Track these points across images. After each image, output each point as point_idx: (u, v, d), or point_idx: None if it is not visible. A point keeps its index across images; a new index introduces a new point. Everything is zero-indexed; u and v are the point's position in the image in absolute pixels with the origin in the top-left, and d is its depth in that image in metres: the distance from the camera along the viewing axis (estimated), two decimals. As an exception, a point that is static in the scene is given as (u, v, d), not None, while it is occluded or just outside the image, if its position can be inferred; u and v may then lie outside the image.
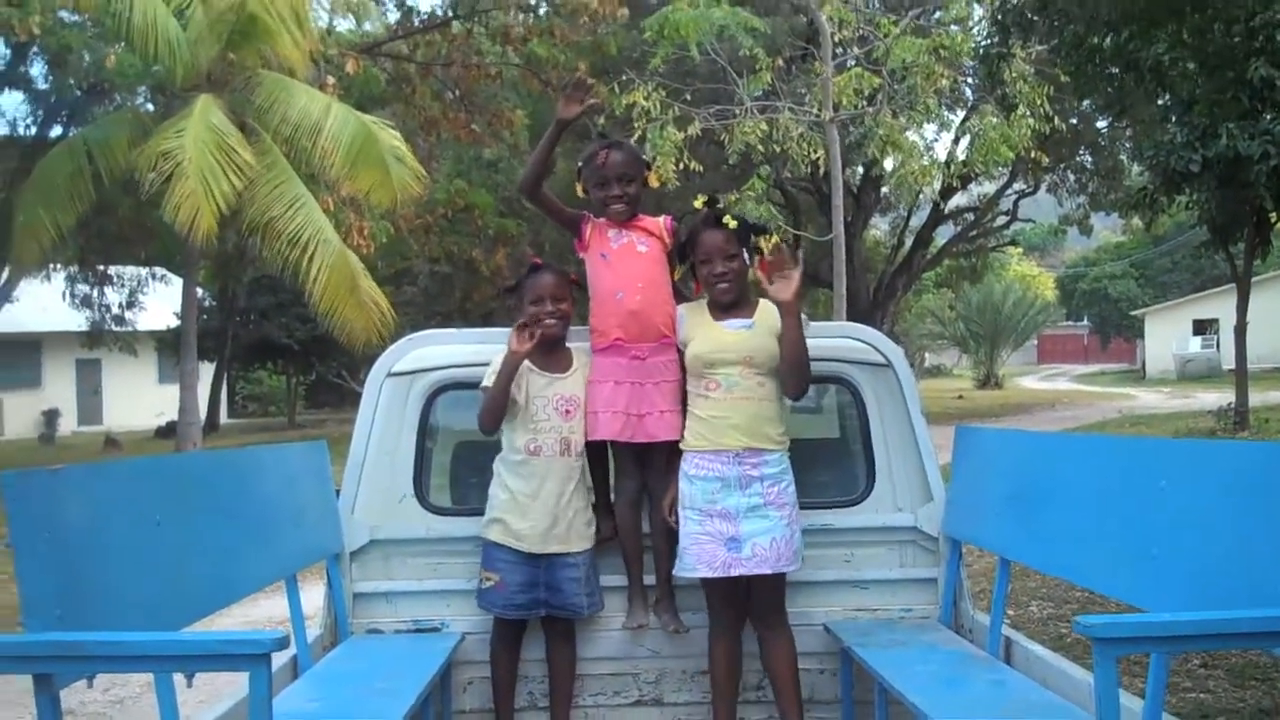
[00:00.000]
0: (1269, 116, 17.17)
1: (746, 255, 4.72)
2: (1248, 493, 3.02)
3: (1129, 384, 49.72)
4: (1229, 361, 46.65)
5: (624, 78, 16.15)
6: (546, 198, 4.98)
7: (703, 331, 4.72)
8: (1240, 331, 20.42)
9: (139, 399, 42.05)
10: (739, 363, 4.64)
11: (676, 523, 4.71)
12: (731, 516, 4.62)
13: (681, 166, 15.24)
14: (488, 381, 4.70)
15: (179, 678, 2.86)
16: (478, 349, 5.00)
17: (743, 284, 4.74)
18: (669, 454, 4.77)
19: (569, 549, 4.78)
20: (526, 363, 4.72)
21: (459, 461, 5.54)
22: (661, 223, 4.88)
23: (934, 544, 4.98)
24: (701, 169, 15.91)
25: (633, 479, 4.85)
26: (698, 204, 4.83)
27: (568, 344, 4.88)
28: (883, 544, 5.02)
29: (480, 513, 4.84)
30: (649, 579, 4.88)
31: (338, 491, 4.96)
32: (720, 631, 4.80)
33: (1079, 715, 3.62)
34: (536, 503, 4.73)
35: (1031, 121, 15.27)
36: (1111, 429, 23.86)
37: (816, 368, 4.80)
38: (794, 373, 4.62)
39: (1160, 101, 18.82)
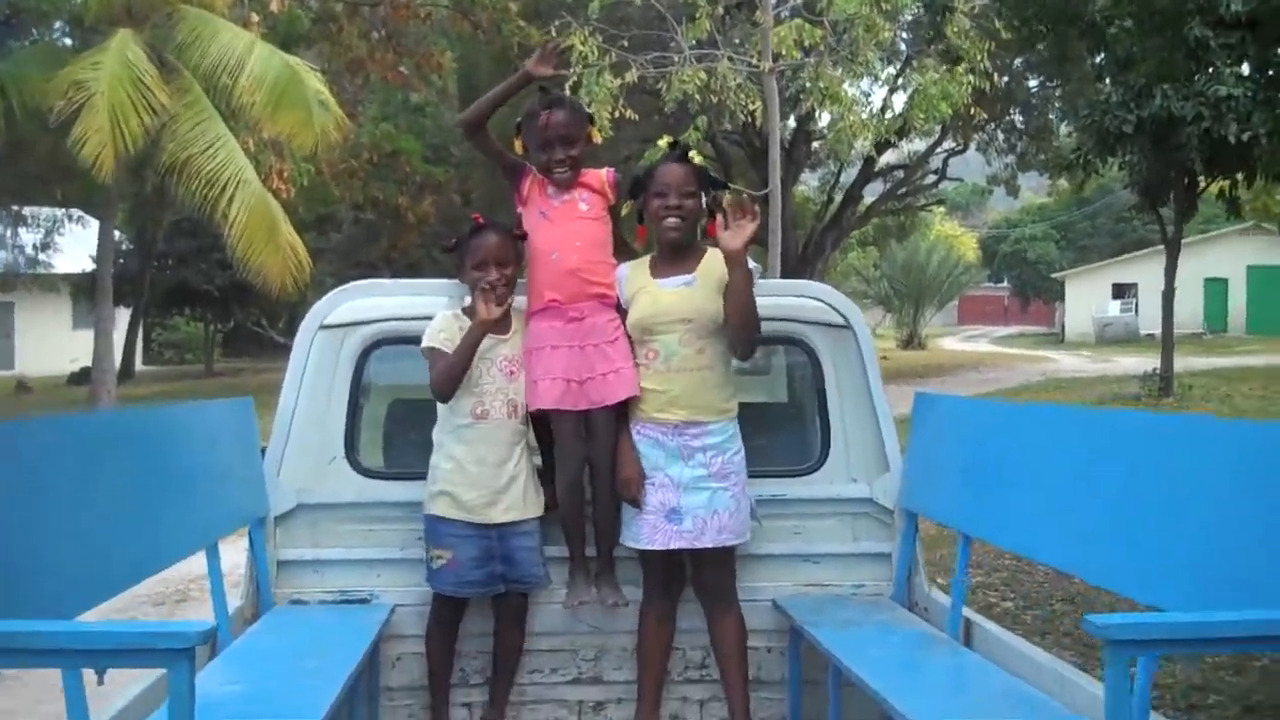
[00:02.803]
0: (1201, 78, 17.20)
1: (704, 201, 4.46)
2: (1246, 476, 2.83)
3: (1048, 347, 50.10)
4: (1147, 326, 47.68)
5: (559, 22, 15.71)
6: (489, 139, 4.68)
7: (642, 293, 4.47)
8: (1168, 297, 20.51)
9: (53, 344, 41.08)
10: (677, 326, 4.39)
11: (634, 498, 4.46)
12: (673, 487, 4.40)
13: (616, 115, 14.90)
14: (431, 341, 4.42)
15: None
16: (415, 300, 4.71)
17: (692, 228, 4.48)
18: (614, 422, 4.49)
19: (524, 515, 4.51)
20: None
21: (395, 421, 5.23)
22: (604, 176, 4.62)
23: (889, 517, 4.76)
24: (637, 117, 15.56)
25: (573, 452, 4.51)
26: (662, 143, 4.62)
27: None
28: (835, 516, 4.79)
29: (417, 476, 4.55)
30: (589, 551, 4.62)
31: (263, 450, 4.66)
32: (651, 605, 4.59)
33: (1047, 703, 3.43)
34: (485, 469, 4.45)
35: (972, 78, 15.09)
36: (1034, 392, 23.92)
37: (769, 327, 4.58)
38: (741, 330, 4.35)
39: (1096, 59, 18.82)
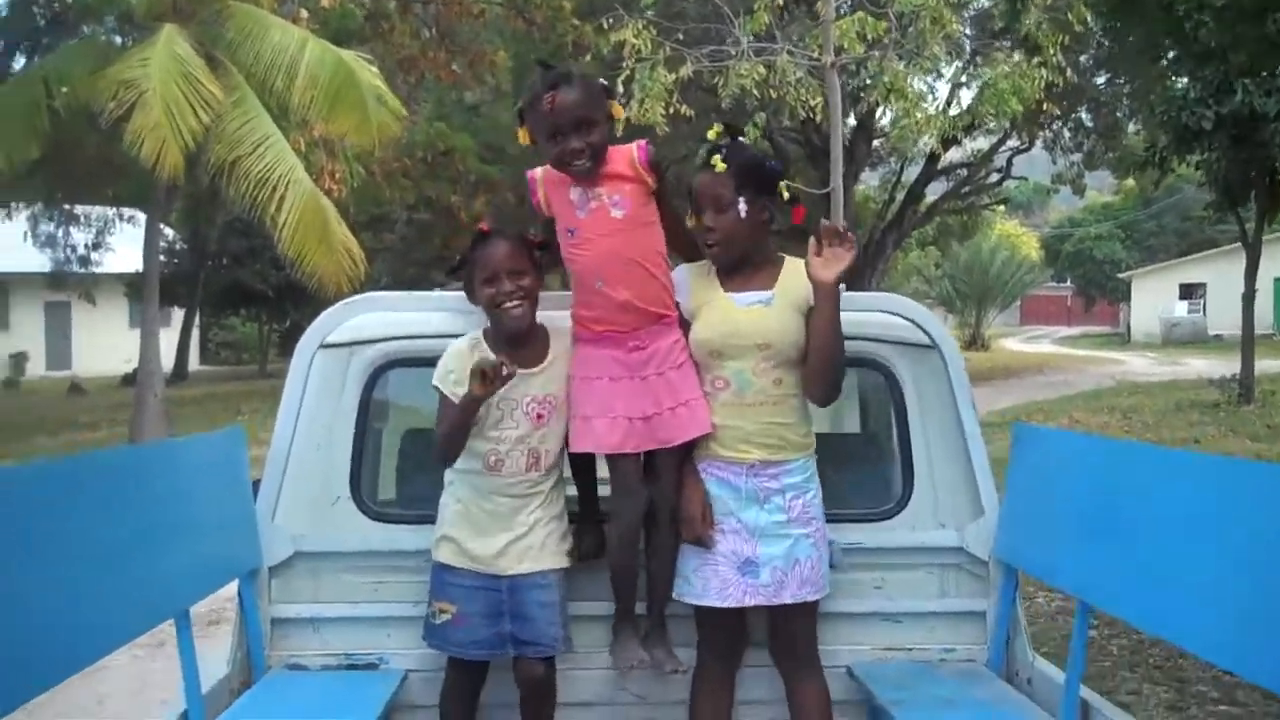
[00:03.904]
0: (1286, 73, 16.44)
1: (743, 206, 3.69)
2: None
3: (1113, 348, 49.09)
4: (1215, 327, 46.83)
5: (612, 16, 15.18)
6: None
7: (710, 306, 3.77)
8: (1249, 299, 19.65)
9: (109, 343, 41.01)
10: (753, 352, 3.70)
11: (700, 538, 3.77)
12: (748, 534, 3.73)
13: (671, 110, 14.33)
14: (439, 382, 3.76)
15: None
16: (431, 317, 4.07)
17: (740, 242, 3.75)
18: (681, 459, 3.79)
19: (539, 566, 3.83)
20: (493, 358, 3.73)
21: (408, 456, 4.53)
22: (634, 154, 3.77)
23: (984, 570, 4.05)
24: (693, 114, 14.99)
25: (630, 497, 3.77)
26: (712, 134, 3.82)
27: (540, 322, 3.87)
28: (921, 567, 4.08)
29: (432, 519, 3.91)
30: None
31: (257, 484, 4.03)
32: (707, 671, 3.90)
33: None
34: (496, 518, 3.80)
35: (1044, 71, 14.38)
36: (1109, 397, 23.03)
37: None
38: (823, 374, 3.71)
39: (1170, 54, 18.05)
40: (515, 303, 3.73)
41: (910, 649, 4.07)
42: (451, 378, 3.73)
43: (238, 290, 39.24)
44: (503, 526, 3.80)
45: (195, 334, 42.60)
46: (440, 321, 4.00)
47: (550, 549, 3.85)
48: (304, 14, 20.76)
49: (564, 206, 3.77)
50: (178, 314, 39.62)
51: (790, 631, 3.86)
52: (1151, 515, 3.18)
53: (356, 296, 4.20)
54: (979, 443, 4.07)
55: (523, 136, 3.79)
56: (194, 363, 41.97)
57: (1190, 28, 14.98)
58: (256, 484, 4.01)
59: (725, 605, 3.75)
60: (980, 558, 4.05)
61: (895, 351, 4.10)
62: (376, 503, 4.19)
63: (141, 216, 31.56)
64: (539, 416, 3.78)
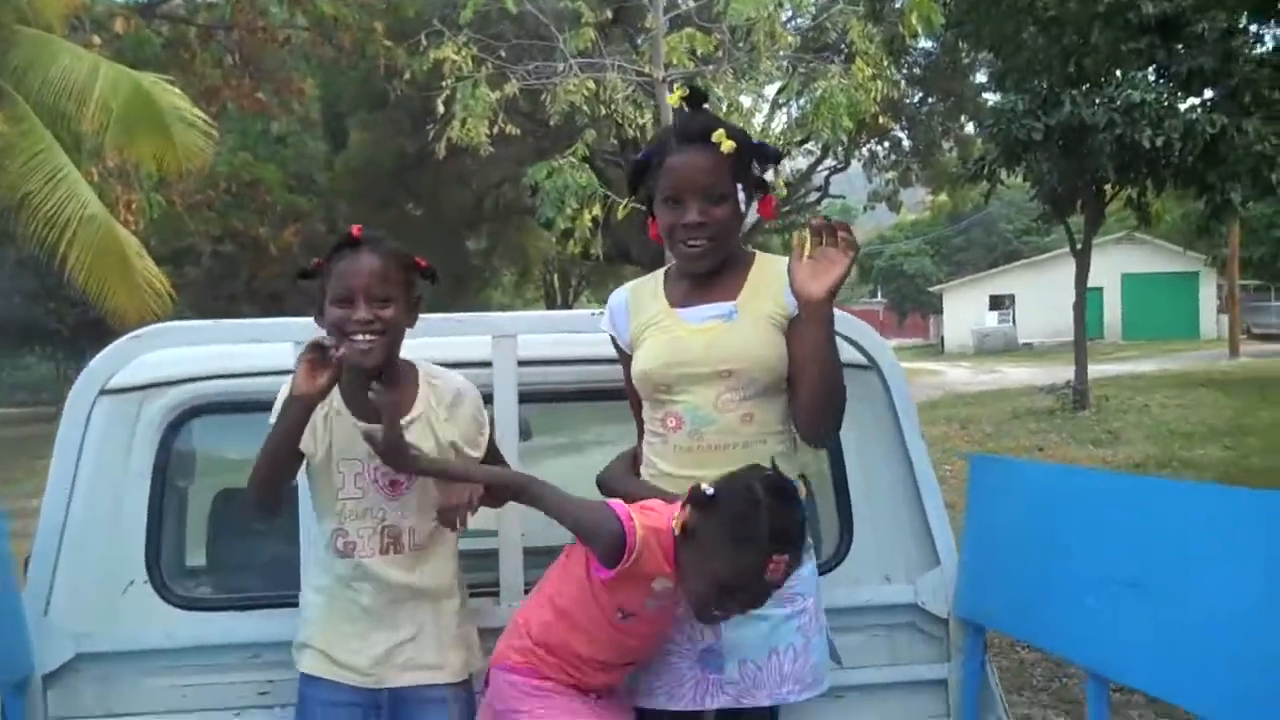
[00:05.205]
0: (1111, 84, 16.70)
1: (742, 196, 2.88)
2: None
3: (929, 359, 50.01)
4: (1025, 335, 48.21)
5: (429, 32, 14.47)
6: None
7: (655, 329, 2.94)
8: (1080, 308, 19.89)
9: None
10: (711, 381, 2.85)
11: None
12: None
13: (496, 130, 13.62)
14: (273, 418, 2.81)
15: None
16: (245, 350, 3.22)
17: (730, 241, 2.93)
18: None
19: (432, 679, 2.88)
20: (336, 400, 2.83)
21: (222, 525, 3.64)
22: None
23: (942, 630, 3.34)
24: (519, 132, 14.31)
25: None
26: (673, 99, 2.97)
27: (405, 365, 2.93)
28: (866, 630, 3.34)
29: (259, 604, 3.09)
30: None
31: (26, 564, 3.12)
32: None
33: None
34: (369, 616, 2.87)
35: (880, 84, 14.03)
36: (943, 408, 22.86)
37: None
38: (817, 408, 2.84)
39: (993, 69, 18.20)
40: (367, 338, 2.78)
41: None
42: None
43: (31, 329, 37.41)
44: (378, 624, 2.86)
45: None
46: (256, 355, 3.16)
47: (450, 657, 2.92)
48: (96, 40, 19.58)
49: (639, 589, 2.76)
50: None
51: None
52: (1179, 562, 2.51)
53: (145, 328, 3.28)
54: (931, 479, 3.35)
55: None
56: (-13, 406, 39.91)
57: (1050, 26, 14.71)
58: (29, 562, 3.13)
59: (676, 708, 2.88)
60: (938, 615, 3.34)
61: None
62: (182, 585, 3.31)
63: (-75, 256, 29.78)
64: (393, 484, 2.85)
